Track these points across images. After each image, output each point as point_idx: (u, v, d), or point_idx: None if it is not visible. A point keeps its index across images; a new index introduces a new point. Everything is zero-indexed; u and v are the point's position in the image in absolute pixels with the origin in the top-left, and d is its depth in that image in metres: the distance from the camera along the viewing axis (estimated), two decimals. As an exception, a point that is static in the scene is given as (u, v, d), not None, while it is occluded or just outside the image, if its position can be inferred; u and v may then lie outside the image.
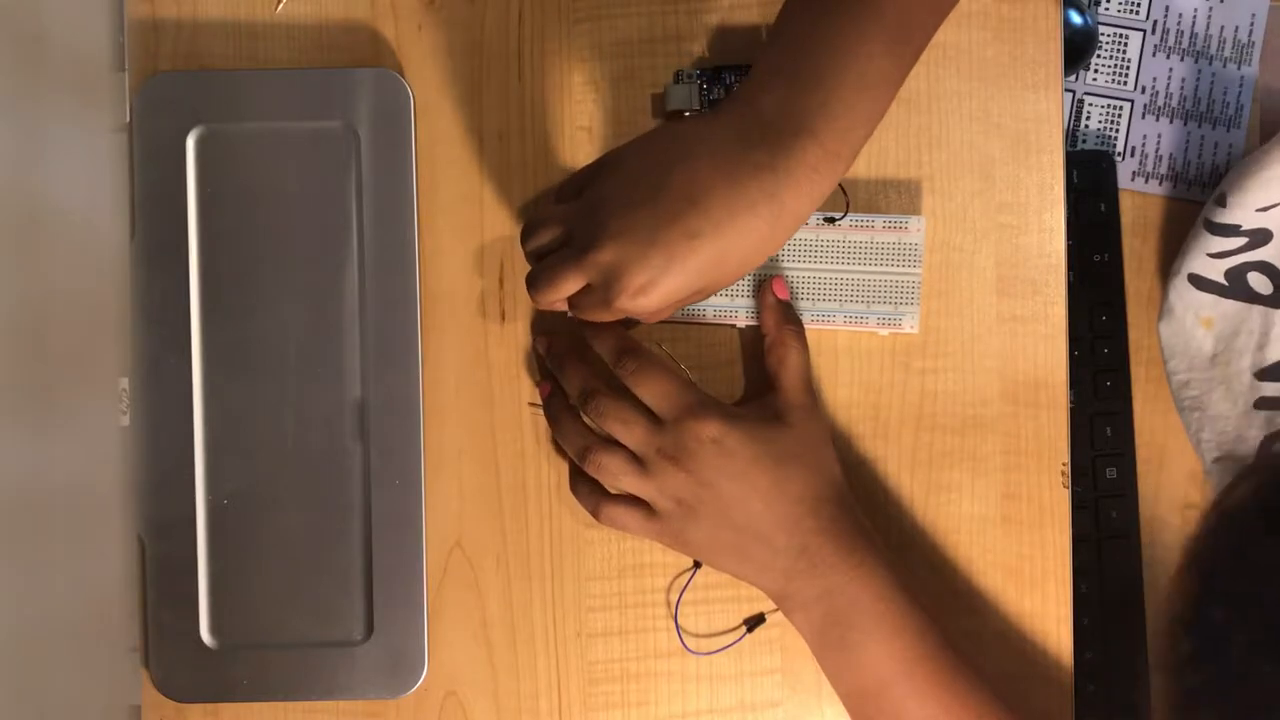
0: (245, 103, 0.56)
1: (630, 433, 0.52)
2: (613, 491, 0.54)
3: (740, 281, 0.56)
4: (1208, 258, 0.67)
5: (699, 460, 0.51)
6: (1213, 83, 0.74)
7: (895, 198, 0.57)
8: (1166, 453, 0.72)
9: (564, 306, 0.50)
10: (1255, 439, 0.67)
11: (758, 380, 0.57)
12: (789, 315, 0.55)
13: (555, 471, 0.57)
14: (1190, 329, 0.68)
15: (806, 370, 0.55)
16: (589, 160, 0.57)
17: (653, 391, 0.52)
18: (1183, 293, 0.68)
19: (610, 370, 0.54)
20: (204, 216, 0.56)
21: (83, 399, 0.54)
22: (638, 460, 0.52)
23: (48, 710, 0.49)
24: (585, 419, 0.55)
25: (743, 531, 0.51)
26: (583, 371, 0.54)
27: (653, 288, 0.46)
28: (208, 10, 0.58)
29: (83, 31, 0.55)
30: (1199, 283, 0.68)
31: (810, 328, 0.56)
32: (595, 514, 0.54)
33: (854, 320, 0.56)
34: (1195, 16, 0.74)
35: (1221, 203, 0.66)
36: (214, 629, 0.56)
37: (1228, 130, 0.74)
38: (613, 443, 0.53)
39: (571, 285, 0.48)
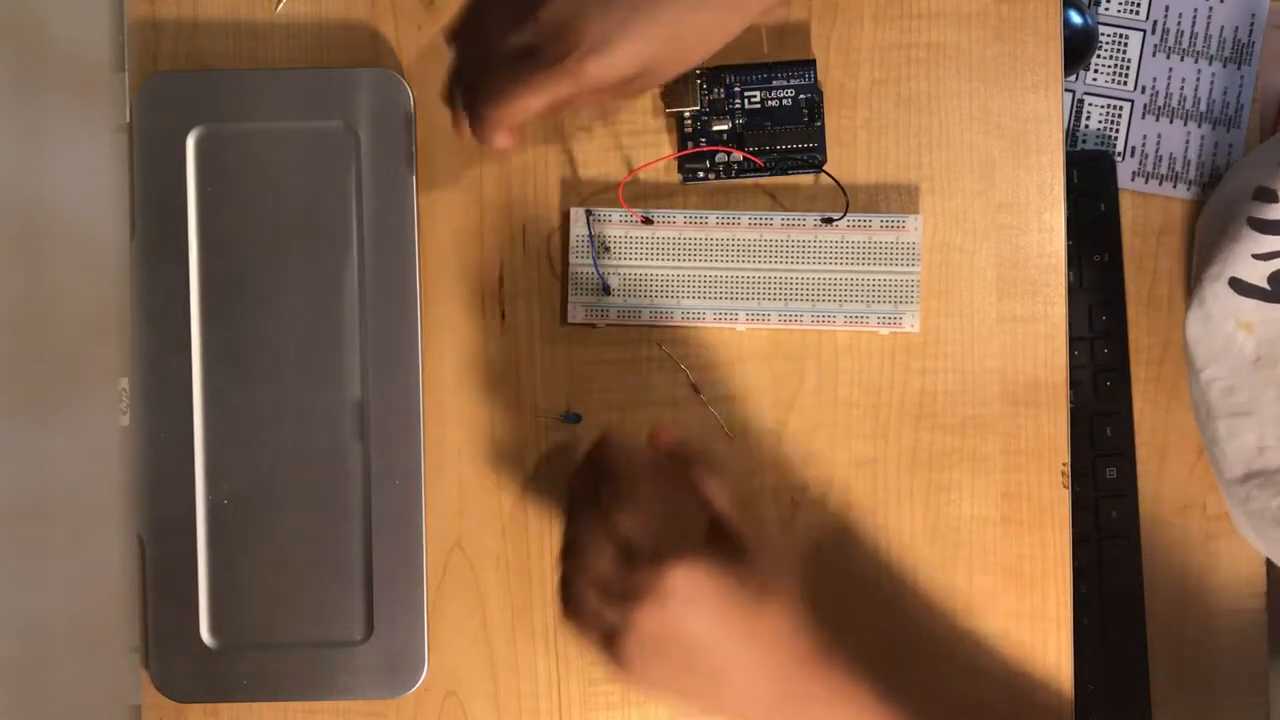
0: (245, 103, 0.56)
1: (601, 562, 0.49)
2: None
3: (741, 283, 0.56)
4: (1252, 259, 0.65)
5: (667, 603, 0.47)
6: (1213, 83, 0.74)
7: (895, 198, 0.57)
8: (1166, 453, 0.72)
9: (510, 117, 0.48)
10: None
11: (758, 381, 0.57)
12: (684, 453, 0.52)
13: (555, 471, 0.57)
14: (1230, 333, 0.66)
15: (732, 493, 0.51)
16: (587, 160, 0.57)
17: (628, 524, 0.49)
18: (1222, 297, 0.66)
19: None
20: (204, 216, 0.56)
21: (83, 399, 0.54)
22: (607, 587, 0.49)
23: (48, 710, 0.49)
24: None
25: (712, 677, 0.48)
26: (578, 484, 0.52)
27: (611, 44, 0.45)
28: (208, 10, 0.58)
29: (83, 31, 0.55)
30: (1240, 287, 0.65)
31: (811, 328, 0.56)
32: (564, 609, 0.51)
33: (854, 320, 0.56)
34: (1195, 16, 0.74)
35: (1269, 198, 0.64)
36: (214, 629, 0.56)
37: (1228, 130, 0.74)
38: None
39: (515, 40, 0.46)
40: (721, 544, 0.50)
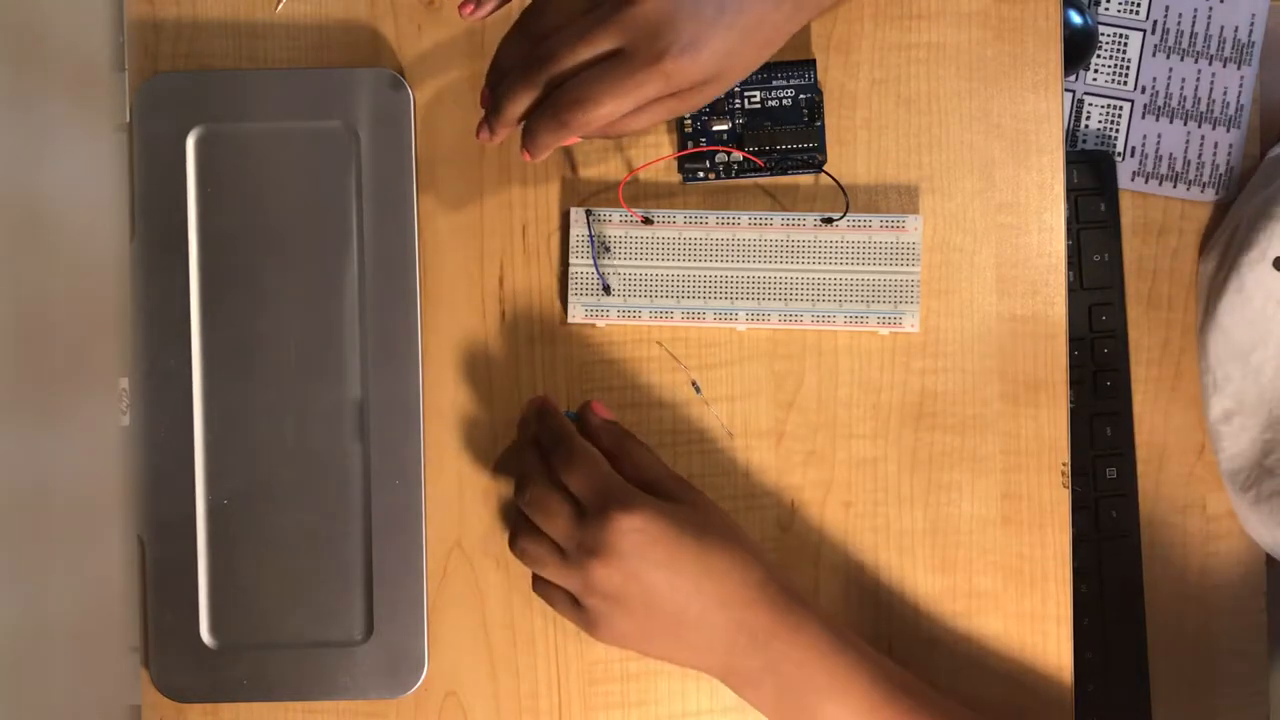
0: (245, 103, 0.56)
1: (554, 525, 0.51)
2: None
3: (741, 283, 0.56)
4: None
5: (622, 553, 0.49)
6: (1213, 83, 0.74)
7: (895, 199, 0.57)
8: (1166, 453, 0.72)
9: (600, 115, 0.47)
10: None
11: (757, 381, 0.57)
12: (617, 429, 0.56)
13: (555, 471, 0.57)
14: (1271, 315, 0.66)
15: (659, 459, 0.55)
16: (587, 160, 0.57)
17: (579, 483, 0.51)
18: (1265, 280, 0.66)
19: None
20: (204, 216, 0.56)
21: (83, 399, 0.54)
22: (562, 551, 0.51)
23: (48, 710, 0.49)
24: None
25: (675, 617, 0.50)
26: (528, 455, 0.54)
27: (703, 43, 0.45)
28: (208, 10, 0.58)
29: (83, 31, 0.55)
30: None
31: (811, 328, 0.56)
32: (533, 584, 0.54)
33: (854, 320, 0.56)
34: (1195, 16, 0.74)
35: None
36: (214, 629, 0.56)
37: (1228, 130, 0.74)
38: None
39: (600, 44, 0.46)
40: (660, 497, 0.52)
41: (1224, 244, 0.70)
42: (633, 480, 0.52)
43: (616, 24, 0.46)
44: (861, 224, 0.56)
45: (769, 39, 0.49)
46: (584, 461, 0.52)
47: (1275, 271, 0.66)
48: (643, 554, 0.49)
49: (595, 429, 0.55)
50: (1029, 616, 0.57)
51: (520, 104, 0.48)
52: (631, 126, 0.49)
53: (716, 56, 0.46)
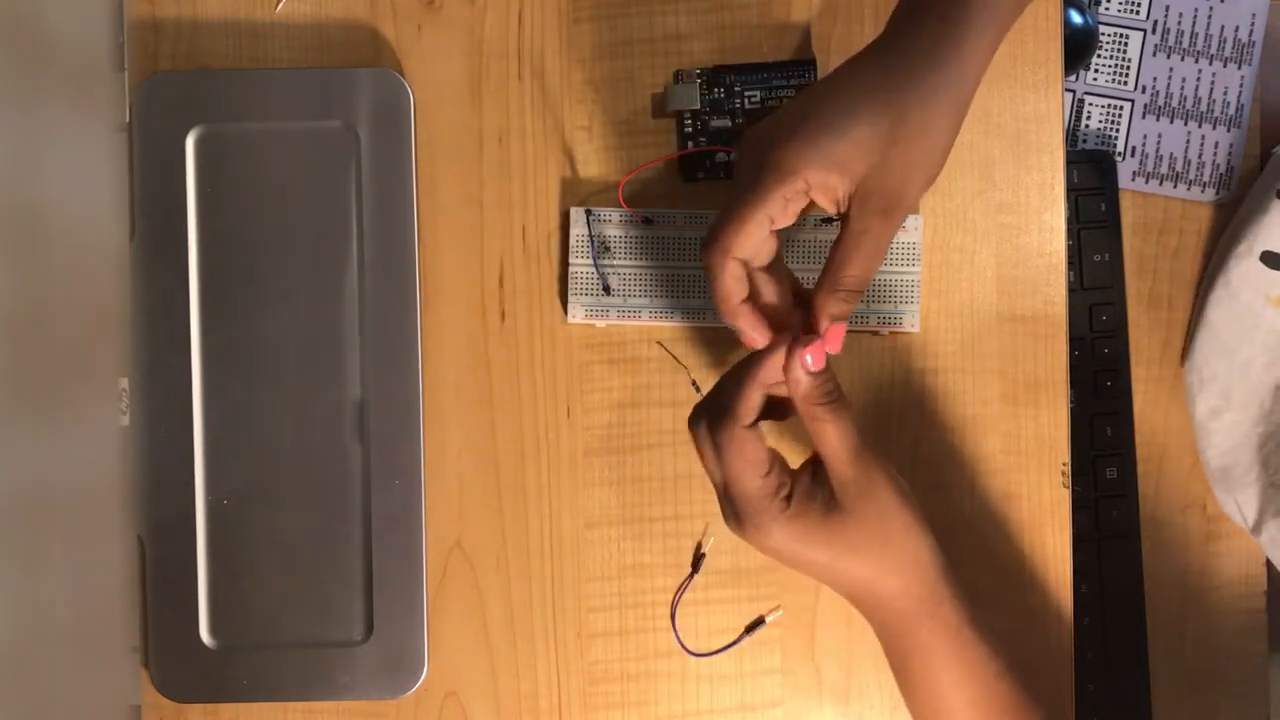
0: (245, 103, 0.56)
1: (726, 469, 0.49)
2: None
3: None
4: None
5: (761, 547, 0.49)
6: (1213, 83, 0.74)
7: (895, 198, 0.57)
8: (1166, 453, 0.72)
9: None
10: None
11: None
12: (820, 387, 0.48)
13: (555, 472, 0.57)
14: (1259, 311, 0.66)
15: (850, 440, 0.48)
16: (587, 160, 0.57)
17: (723, 474, 0.49)
18: (1251, 275, 0.66)
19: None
20: (204, 216, 0.56)
21: (83, 399, 0.54)
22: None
23: (48, 710, 0.49)
24: None
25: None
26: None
27: (936, 153, 0.45)
28: (208, 10, 0.58)
29: (83, 31, 0.55)
30: (1272, 260, 0.65)
31: (810, 328, 0.56)
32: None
33: (854, 320, 0.56)
34: (1195, 16, 0.74)
35: None
36: (214, 629, 0.56)
37: (1228, 130, 0.74)
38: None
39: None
40: (817, 494, 0.48)
41: (1224, 238, 0.70)
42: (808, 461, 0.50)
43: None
44: (861, 224, 0.55)
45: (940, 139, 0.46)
46: (709, 466, 0.49)
47: (1262, 266, 0.66)
48: (778, 555, 0.48)
49: (799, 388, 0.48)
50: (1029, 616, 0.57)
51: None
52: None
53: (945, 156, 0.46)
